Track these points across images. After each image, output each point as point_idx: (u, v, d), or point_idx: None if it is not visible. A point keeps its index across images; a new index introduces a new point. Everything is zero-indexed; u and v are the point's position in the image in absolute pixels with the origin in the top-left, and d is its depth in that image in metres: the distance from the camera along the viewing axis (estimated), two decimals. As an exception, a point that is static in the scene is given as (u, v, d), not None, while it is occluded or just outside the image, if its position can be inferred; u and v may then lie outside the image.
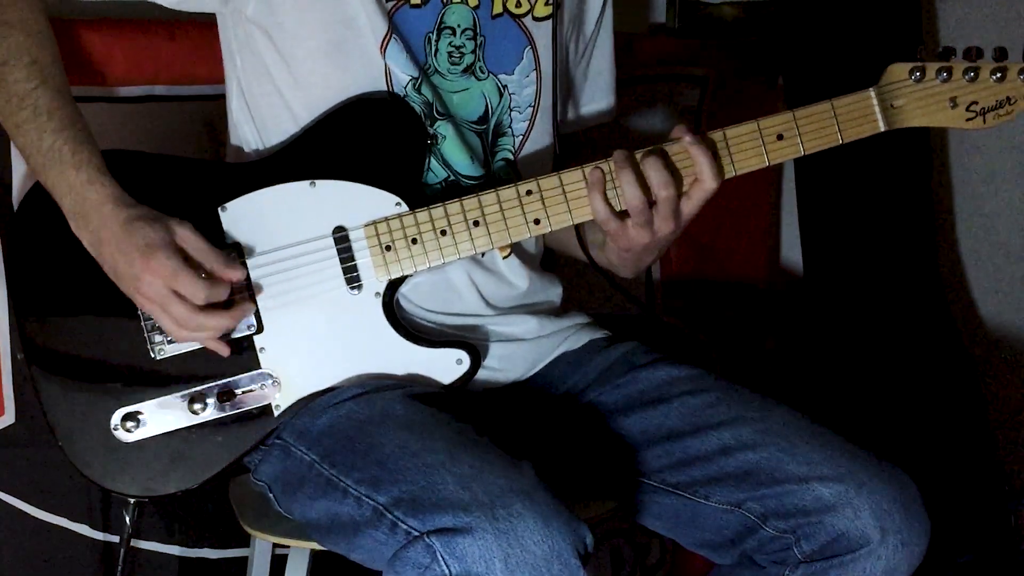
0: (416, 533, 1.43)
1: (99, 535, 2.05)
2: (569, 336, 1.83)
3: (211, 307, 1.57)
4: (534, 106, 1.78)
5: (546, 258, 1.89)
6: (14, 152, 1.87)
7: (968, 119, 1.64)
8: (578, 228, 1.74)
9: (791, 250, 2.76)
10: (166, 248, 1.54)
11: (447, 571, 1.39)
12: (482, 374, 1.70)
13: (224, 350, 1.63)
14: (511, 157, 1.77)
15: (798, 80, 2.57)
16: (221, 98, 1.82)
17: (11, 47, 1.59)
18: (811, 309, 2.65)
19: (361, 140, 1.67)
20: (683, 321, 2.56)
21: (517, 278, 1.78)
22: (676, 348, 1.88)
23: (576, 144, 1.90)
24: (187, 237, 1.57)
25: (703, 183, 1.61)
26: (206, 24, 1.79)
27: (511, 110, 1.76)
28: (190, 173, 1.69)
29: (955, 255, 2.84)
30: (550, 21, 1.76)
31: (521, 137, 1.78)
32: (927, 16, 2.70)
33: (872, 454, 1.63)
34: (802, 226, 2.66)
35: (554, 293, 1.86)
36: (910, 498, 1.59)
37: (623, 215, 1.63)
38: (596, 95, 1.91)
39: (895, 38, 2.59)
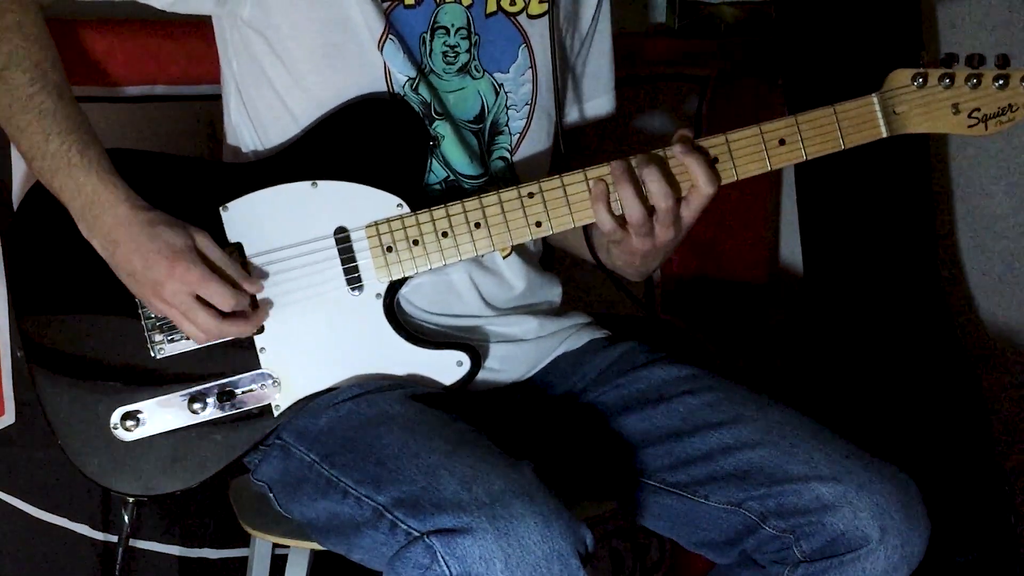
0: (416, 533, 1.43)
1: (99, 535, 2.05)
2: (569, 336, 1.83)
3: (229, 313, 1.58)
4: (531, 104, 1.77)
5: (545, 257, 1.89)
6: (14, 152, 1.86)
7: (970, 125, 1.64)
8: (585, 230, 1.74)
9: (791, 250, 2.76)
10: (191, 255, 1.55)
11: (447, 571, 1.39)
12: (482, 375, 1.70)
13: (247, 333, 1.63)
14: (508, 156, 1.77)
15: (798, 80, 2.57)
16: (221, 98, 1.82)
17: (11, 51, 1.58)
18: (811, 309, 2.65)
19: (363, 141, 1.67)
20: (683, 320, 2.56)
21: (517, 278, 1.78)
22: (676, 347, 1.87)
23: (579, 142, 1.90)
24: (208, 246, 1.57)
25: (699, 189, 1.61)
26: (207, 23, 1.78)
27: (507, 108, 1.76)
28: (192, 172, 1.69)
29: (955, 255, 2.84)
30: (545, 19, 1.76)
31: (518, 135, 1.78)
32: (926, 16, 2.70)
33: (872, 454, 1.63)
34: (802, 226, 2.66)
35: (554, 293, 1.86)
36: (910, 498, 1.59)
37: (625, 224, 1.63)
38: (596, 92, 1.90)
39: (894, 38, 2.59)
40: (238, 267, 1.60)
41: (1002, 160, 2.77)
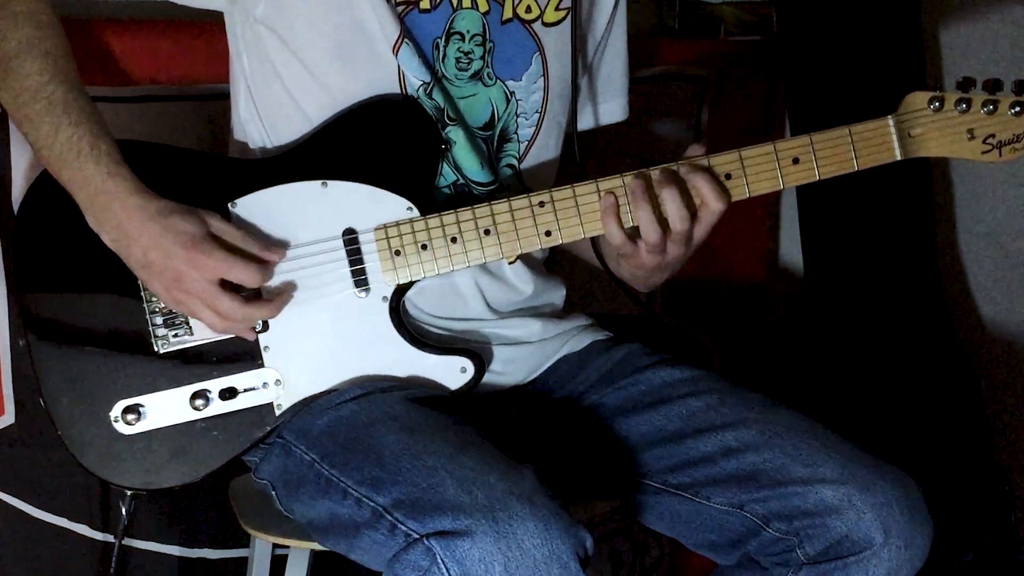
0: (415, 535, 1.42)
1: (98, 535, 2.05)
2: (571, 338, 1.83)
3: (250, 297, 1.58)
4: (541, 112, 1.77)
5: (549, 260, 1.88)
6: (14, 151, 1.86)
7: (984, 151, 1.64)
8: (594, 241, 1.74)
9: (791, 250, 2.76)
10: (207, 240, 1.54)
11: (446, 574, 1.39)
12: (485, 377, 1.70)
13: (251, 335, 1.63)
14: (515, 163, 1.77)
15: (798, 81, 2.57)
16: (222, 97, 1.82)
17: (22, 39, 1.57)
18: (811, 309, 2.65)
19: (375, 143, 1.66)
20: (684, 322, 2.55)
21: (523, 283, 1.77)
22: (678, 349, 1.87)
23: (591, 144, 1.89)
24: (221, 227, 1.56)
25: (708, 206, 1.61)
26: (207, 23, 1.78)
27: (517, 116, 1.75)
28: (201, 167, 1.68)
29: (955, 255, 2.84)
30: (560, 27, 1.75)
31: (526, 143, 1.77)
32: (926, 16, 2.70)
33: (875, 456, 1.62)
34: (802, 226, 2.66)
35: (557, 295, 1.85)
36: (913, 500, 1.59)
37: (635, 239, 1.63)
38: (609, 96, 1.90)
39: (895, 40, 2.59)
40: (256, 242, 1.59)
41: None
